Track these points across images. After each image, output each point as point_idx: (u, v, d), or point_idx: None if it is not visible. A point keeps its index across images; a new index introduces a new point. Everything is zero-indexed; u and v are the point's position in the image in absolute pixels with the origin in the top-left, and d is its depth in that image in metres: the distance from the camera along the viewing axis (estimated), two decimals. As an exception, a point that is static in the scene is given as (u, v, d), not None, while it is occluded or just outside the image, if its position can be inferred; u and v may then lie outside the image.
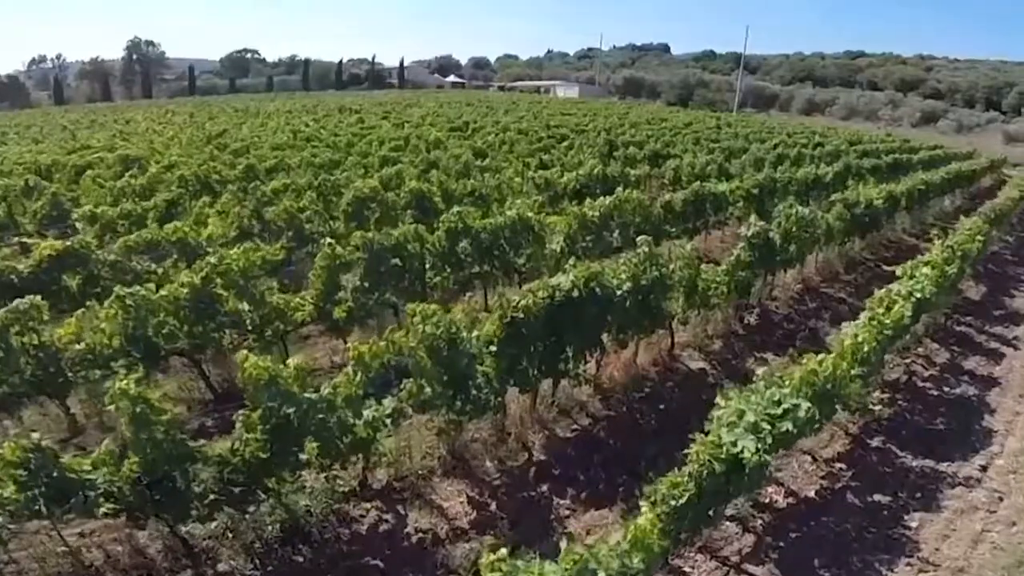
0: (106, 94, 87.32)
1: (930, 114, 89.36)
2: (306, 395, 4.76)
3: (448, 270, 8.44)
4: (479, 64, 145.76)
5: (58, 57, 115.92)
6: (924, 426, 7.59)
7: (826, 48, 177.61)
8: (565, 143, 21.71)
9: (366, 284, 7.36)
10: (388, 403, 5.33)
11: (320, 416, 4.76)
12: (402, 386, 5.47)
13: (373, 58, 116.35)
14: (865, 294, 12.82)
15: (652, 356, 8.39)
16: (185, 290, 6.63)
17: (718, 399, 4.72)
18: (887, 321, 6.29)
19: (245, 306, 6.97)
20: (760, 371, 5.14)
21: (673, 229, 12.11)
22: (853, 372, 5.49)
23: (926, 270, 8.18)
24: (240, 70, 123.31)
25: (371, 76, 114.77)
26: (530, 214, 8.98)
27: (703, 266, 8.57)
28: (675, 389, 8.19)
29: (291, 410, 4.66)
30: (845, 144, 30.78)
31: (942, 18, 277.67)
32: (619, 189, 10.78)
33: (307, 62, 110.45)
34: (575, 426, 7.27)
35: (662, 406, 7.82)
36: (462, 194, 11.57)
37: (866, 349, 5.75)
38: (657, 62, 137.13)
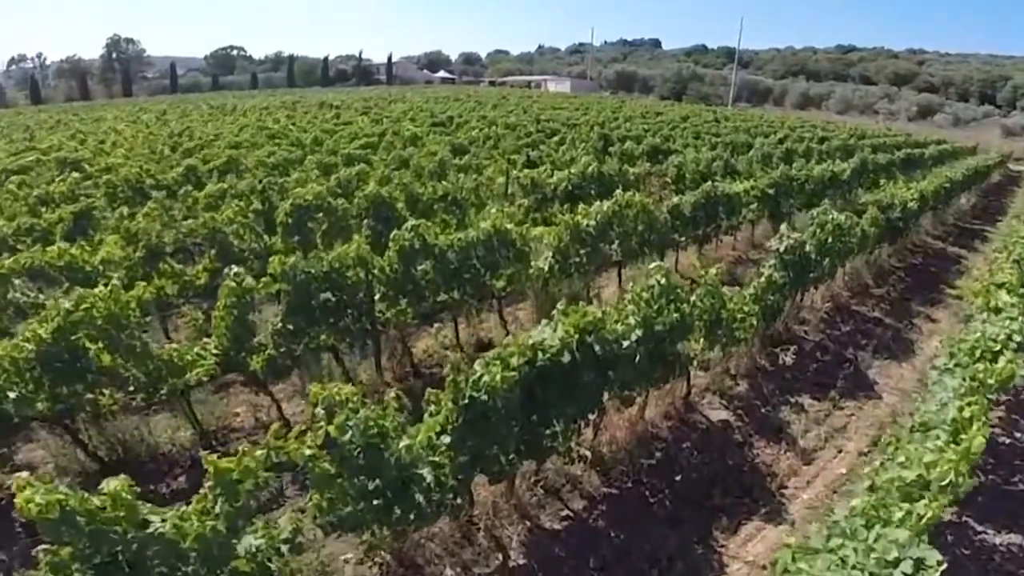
0: (84, 93, 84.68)
1: (926, 108, 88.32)
2: (134, 534, 2.98)
3: (404, 300, 6.63)
4: (469, 59, 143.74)
5: (39, 56, 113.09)
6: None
7: (817, 42, 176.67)
8: (556, 138, 19.90)
9: (290, 326, 5.54)
10: (285, 523, 3.55)
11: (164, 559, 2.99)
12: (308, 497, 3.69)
13: (360, 54, 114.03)
14: (902, 312, 11.23)
15: (663, 408, 6.62)
16: (31, 346, 4.81)
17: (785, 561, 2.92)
18: (991, 381, 4.52)
19: (121, 361, 5.15)
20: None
21: (682, 238, 10.35)
22: (964, 471, 3.71)
23: (1008, 297, 6.43)
24: (226, 67, 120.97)
25: (358, 72, 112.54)
26: (510, 226, 7.18)
27: (724, 289, 6.80)
28: (693, 451, 6.40)
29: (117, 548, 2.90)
30: (852, 138, 29.14)
31: (931, 13, 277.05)
32: (617, 191, 8.99)
33: (291, 58, 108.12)
34: (565, 512, 5.48)
35: (678, 476, 6.04)
36: (432, 199, 9.74)
37: (976, 430, 3.97)
38: (649, 57, 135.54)
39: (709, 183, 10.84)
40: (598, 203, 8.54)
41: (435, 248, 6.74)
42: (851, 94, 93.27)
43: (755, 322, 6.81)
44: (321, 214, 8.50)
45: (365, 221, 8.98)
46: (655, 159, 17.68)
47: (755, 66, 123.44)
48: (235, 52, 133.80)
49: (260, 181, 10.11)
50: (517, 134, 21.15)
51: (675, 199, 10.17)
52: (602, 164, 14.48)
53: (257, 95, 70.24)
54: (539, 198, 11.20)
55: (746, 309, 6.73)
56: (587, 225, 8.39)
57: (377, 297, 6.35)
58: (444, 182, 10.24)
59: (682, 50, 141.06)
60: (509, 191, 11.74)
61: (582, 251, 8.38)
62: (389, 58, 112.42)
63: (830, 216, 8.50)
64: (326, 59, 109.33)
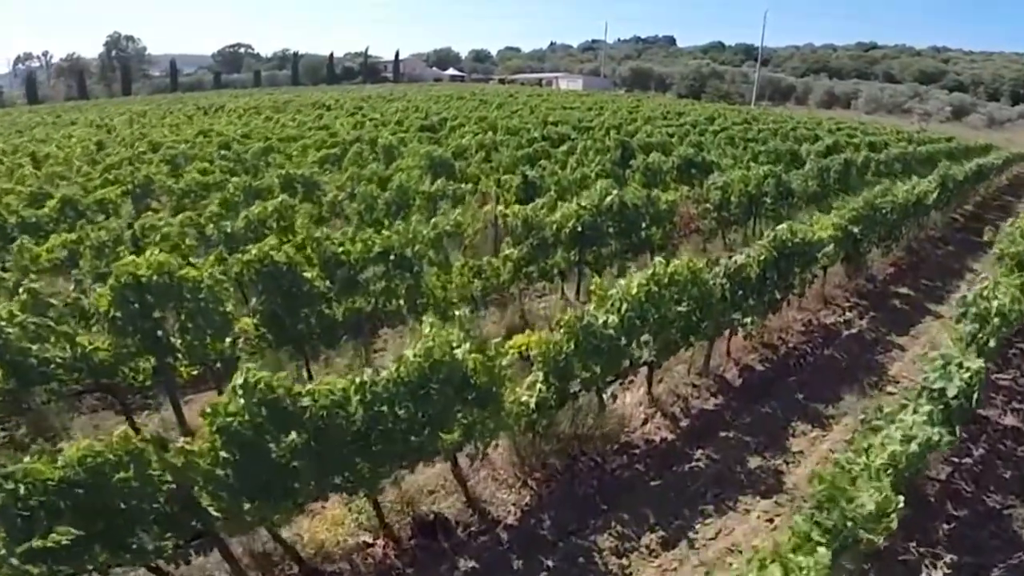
0: (83, 92, 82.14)
1: (959, 108, 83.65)
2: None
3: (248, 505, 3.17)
4: (480, 57, 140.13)
5: (44, 55, 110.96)
6: None
7: (836, 39, 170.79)
8: (564, 147, 16.36)
9: None
10: None
11: None
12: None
13: (366, 51, 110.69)
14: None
15: None
16: None
17: None
18: None
19: None
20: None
21: (745, 318, 6.82)
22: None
23: None
24: (233, 65, 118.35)
25: (365, 70, 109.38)
26: (460, 351, 3.72)
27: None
28: None
29: None
30: (908, 144, 25.36)
31: (953, 9, 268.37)
32: (658, 260, 5.50)
33: (296, 56, 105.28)
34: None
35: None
36: (361, 258, 6.25)
37: None
38: (664, 54, 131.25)
39: (784, 227, 7.31)
40: (623, 283, 5.06)
41: (304, 413, 3.30)
42: (879, 93, 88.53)
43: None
44: (172, 303, 5.09)
45: (252, 300, 5.55)
46: (688, 176, 14.14)
47: (774, 64, 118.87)
48: (243, 50, 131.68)
49: (125, 229, 6.70)
50: (518, 141, 17.65)
51: (737, 257, 6.64)
52: (624, 187, 11.01)
53: (256, 94, 67.26)
54: (535, 245, 7.74)
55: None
56: (605, 323, 4.92)
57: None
58: (397, 225, 6.77)
59: (698, 47, 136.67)
60: (486, 236, 8.26)
61: (594, 364, 4.90)
62: (396, 55, 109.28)
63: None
64: (331, 56, 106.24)
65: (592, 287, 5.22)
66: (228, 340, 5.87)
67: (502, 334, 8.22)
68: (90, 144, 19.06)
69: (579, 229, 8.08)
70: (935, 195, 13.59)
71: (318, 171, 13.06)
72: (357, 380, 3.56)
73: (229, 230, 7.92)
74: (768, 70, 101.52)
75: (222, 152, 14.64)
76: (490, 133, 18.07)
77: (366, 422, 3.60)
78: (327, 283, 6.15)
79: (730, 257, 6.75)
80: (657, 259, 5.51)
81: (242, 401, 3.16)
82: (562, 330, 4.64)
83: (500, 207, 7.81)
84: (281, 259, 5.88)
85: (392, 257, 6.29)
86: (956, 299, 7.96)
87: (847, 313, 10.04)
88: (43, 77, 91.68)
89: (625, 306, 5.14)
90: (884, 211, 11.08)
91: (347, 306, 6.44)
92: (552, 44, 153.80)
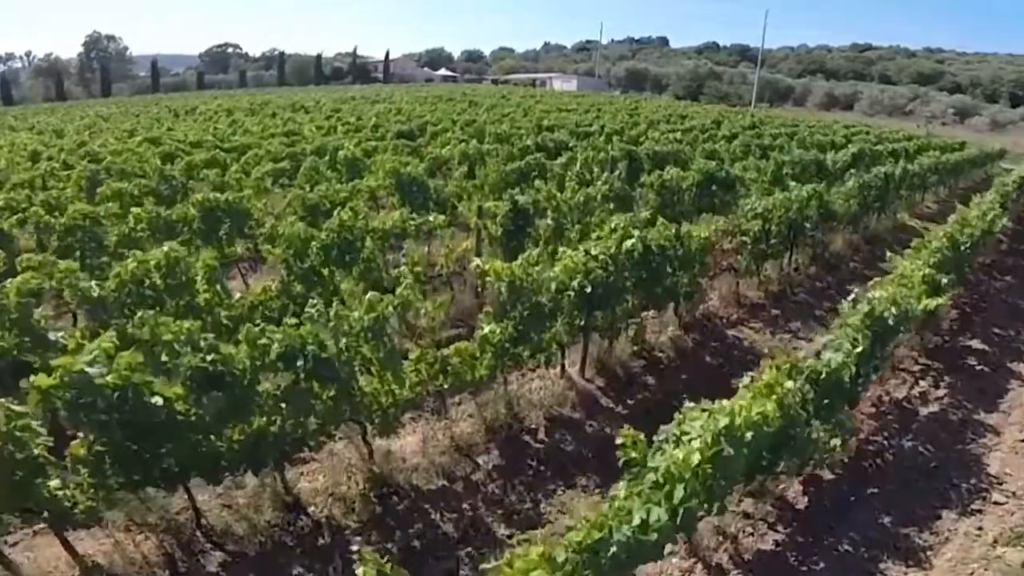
0: (60, 93, 79.10)
1: (961, 110, 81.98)
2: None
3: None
4: (472, 57, 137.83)
5: (27, 54, 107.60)
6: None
7: (830, 40, 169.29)
8: (562, 158, 13.99)
9: None
10: None
11: None
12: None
13: (355, 51, 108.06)
14: None
15: None
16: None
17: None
18: None
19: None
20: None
21: (834, 440, 4.52)
22: None
23: None
24: (220, 66, 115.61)
25: (354, 70, 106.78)
26: None
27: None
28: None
29: None
30: (940, 152, 23.26)
31: (945, 11, 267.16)
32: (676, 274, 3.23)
33: (282, 56, 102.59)
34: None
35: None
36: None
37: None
38: (658, 54, 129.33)
39: (881, 296, 5.01)
40: (678, 455, 2.77)
41: None
42: (880, 95, 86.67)
43: None
44: None
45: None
46: (710, 195, 11.87)
47: (769, 64, 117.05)
48: (230, 50, 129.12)
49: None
50: (509, 151, 15.30)
51: (826, 355, 4.35)
52: (636, 212, 8.72)
53: (240, 95, 64.63)
54: (526, 315, 5.41)
55: None
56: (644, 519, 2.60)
57: None
58: (313, 307, 4.37)
59: (692, 48, 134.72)
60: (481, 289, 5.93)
61: None
62: (386, 55, 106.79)
63: None
64: (319, 56, 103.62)
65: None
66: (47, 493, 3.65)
67: (481, 433, 5.93)
68: (16, 156, 16.58)
69: (588, 289, 5.75)
70: (1002, 220, 11.40)
71: (260, 191, 10.71)
72: None
73: (95, 293, 5.59)
74: (765, 71, 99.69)
75: (166, 167, 12.15)
76: (475, 141, 15.68)
77: None
78: (196, 409, 3.83)
79: (817, 355, 4.47)
80: (735, 403, 3.18)
81: None
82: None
83: (477, 262, 5.45)
84: (112, 379, 3.57)
85: (302, 363, 3.96)
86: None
87: (920, 382, 7.83)
88: (9, 78, 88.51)
89: (681, 485, 2.83)
90: (964, 246, 8.86)
91: (236, 435, 4.13)
92: (546, 44, 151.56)
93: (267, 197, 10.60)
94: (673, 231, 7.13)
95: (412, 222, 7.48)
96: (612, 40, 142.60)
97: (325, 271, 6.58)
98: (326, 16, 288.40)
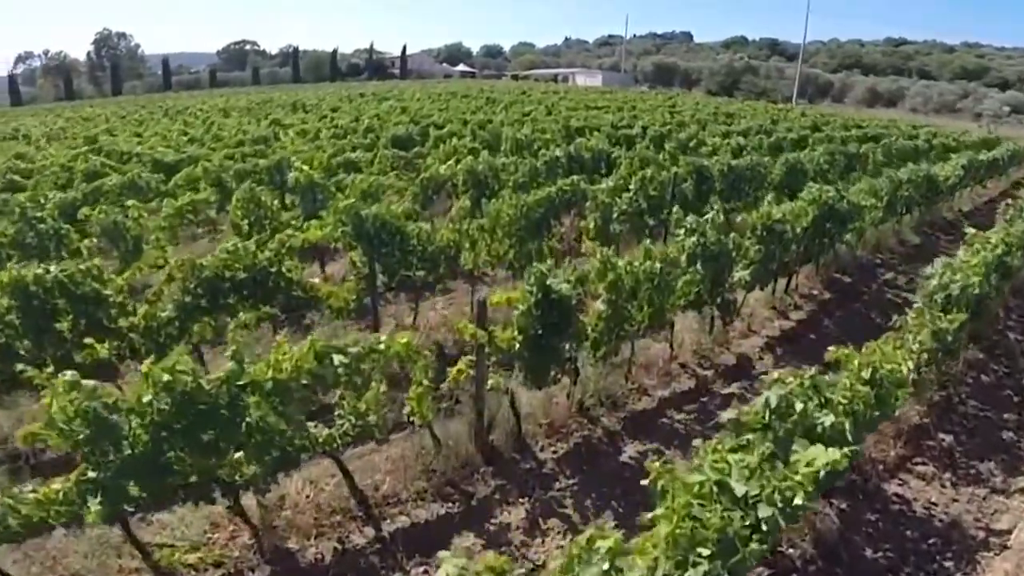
0: (70, 92, 76.69)
1: (1016, 107, 75.89)
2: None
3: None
4: (492, 52, 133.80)
5: (46, 53, 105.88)
6: None
7: (861, 35, 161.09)
8: (608, 182, 9.81)
9: None
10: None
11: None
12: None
13: (371, 46, 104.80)
14: None
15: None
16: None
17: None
18: None
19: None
20: None
21: None
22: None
23: None
24: (238, 63, 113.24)
25: (370, 66, 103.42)
26: None
27: None
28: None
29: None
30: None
31: (978, 4, 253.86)
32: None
33: (296, 52, 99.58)
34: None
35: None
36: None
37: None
38: (684, 49, 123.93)
39: None
40: None
41: None
42: (926, 91, 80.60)
43: None
44: None
45: None
46: (822, 236, 7.75)
47: (801, 58, 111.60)
48: (248, 47, 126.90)
49: None
50: (532, 165, 11.26)
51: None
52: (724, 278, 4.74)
53: (252, 93, 61.43)
54: None
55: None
56: None
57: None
58: None
59: (719, 42, 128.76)
60: None
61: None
62: (403, 50, 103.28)
63: None
64: (334, 52, 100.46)
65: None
66: None
67: None
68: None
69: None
70: None
71: (163, 235, 6.92)
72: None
73: None
74: (788, 65, 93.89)
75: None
76: (485, 153, 11.57)
77: None
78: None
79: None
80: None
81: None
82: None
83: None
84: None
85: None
86: None
87: None
88: (16, 77, 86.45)
89: None
90: None
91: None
92: (567, 39, 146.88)
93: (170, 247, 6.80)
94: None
95: (341, 364, 3.52)
96: (634, 35, 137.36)
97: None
98: (345, 11, 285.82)
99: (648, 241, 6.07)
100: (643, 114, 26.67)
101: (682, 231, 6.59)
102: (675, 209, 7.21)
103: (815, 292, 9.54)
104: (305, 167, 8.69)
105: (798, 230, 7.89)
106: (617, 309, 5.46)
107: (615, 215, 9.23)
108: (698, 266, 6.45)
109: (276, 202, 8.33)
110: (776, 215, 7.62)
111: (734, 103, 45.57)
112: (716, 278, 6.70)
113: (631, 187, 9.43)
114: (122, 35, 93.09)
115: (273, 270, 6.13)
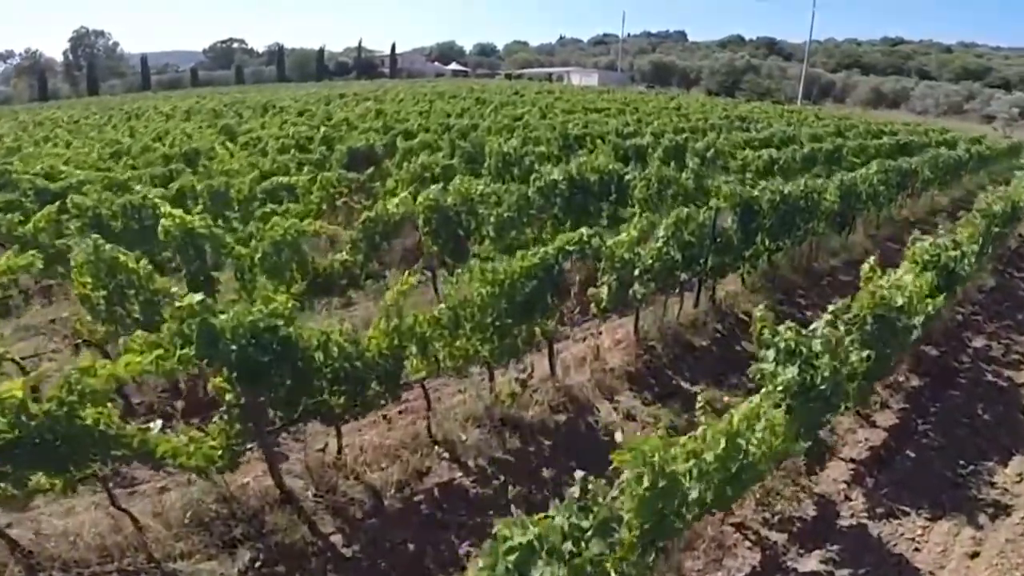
0: (43, 92, 73.14)
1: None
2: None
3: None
4: (485, 51, 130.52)
5: (27, 51, 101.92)
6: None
7: (856, 34, 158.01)
8: (629, 230, 6.91)
9: None
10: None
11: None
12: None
13: (359, 44, 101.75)
14: None
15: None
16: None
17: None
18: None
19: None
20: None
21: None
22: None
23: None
24: (225, 62, 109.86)
25: (359, 65, 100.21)
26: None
27: None
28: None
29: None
30: None
31: (969, 3, 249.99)
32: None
33: (281, 50, 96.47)
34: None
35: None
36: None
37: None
38: (681, 47, 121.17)
39: None
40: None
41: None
42: (931, 92, 78.01)
43: None
44: None
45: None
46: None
47: (797, 58, 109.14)
48: (235, 45, 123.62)
49: None
50: (518, 197, 8.42)
51: None
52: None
53: (226, 93, 58.32)
54: None
55: None
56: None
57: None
58: None
59: (714, 41, 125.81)
60: None
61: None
62: (392, 48, 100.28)
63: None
64: (321, 51, 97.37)
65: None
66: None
67: None
68: None
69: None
70: None
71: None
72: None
73: None
74: (796, 64, 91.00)
75: None
76: (459, 180, 8.68)
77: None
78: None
79: None
80: None
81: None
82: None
83: None
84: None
85: None
86: None
87: None
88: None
89: None
90: None
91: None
92: (561, 38, 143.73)
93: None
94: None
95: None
96: (629, 34, 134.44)
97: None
98: (333, 9, 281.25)
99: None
100: (648, 117, 23.87)
101: (769, 355, 3.80)
102: (758, 313, 4.38)
103: (900, 377, 6.87)
104: (176, 213, 5.81)
105: (919, 318, 5.08)
106: (663, 518, 2.67)
107: (638, 273, 6.44)
108: (786, 411, 3.66)
109: (146, 264, 5.49)
110: (894, 298, 4.82)
111: (740, 104, 42.83)
112: (813, 420, 3.94)
113: (660, 234, 6.61)
114: (100, 33, 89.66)
115: (61, 428, 3.37)
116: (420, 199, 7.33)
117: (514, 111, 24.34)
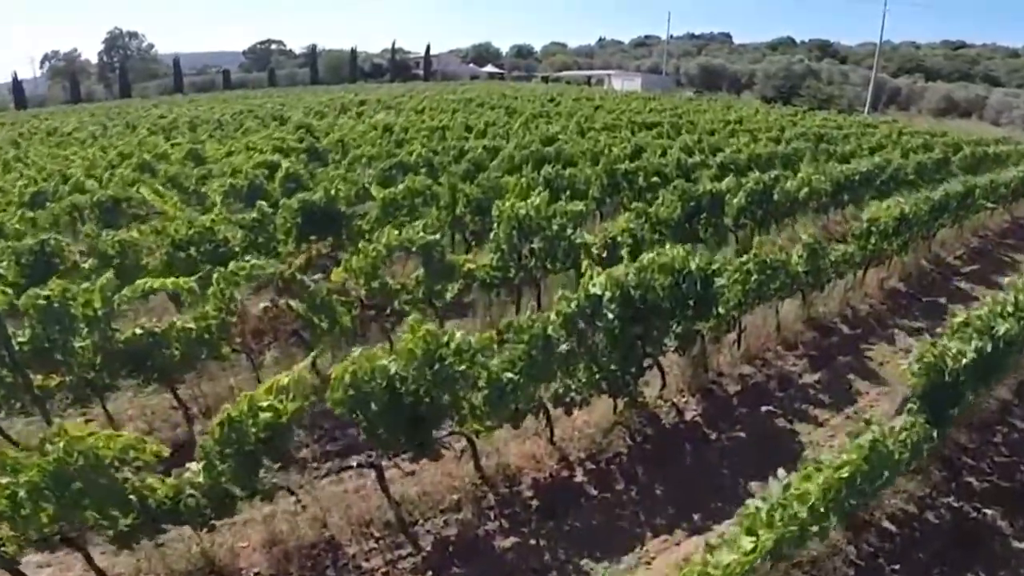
0: (76, 95, 72.33)
1: None
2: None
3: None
4: (522, 52, 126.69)
5: (73, 51, 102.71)
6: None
7: (914, 36, 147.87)
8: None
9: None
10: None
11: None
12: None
13: (393, 45, 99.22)
14: None
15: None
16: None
17: None
18: None
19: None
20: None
21: None
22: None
23: None
24: (263, 63, 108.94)
25: (393, 67, 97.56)
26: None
27: None
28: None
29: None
30: None
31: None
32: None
33: (314, 52, 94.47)
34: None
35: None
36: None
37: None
38: (727, 50, 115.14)
39: None
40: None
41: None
42: (1012, 100, 70.92)
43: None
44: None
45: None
46: None
47: (852, 61, 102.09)
48: (273, 47, 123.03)
49: None
50: (524, 362, 4.56)
51: None
52: None
53: (245, 96, 56.07)
54: None
55: None
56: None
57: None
58: None
59: (761, 43, 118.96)
60: None
61: None
62: (427, 50, 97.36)
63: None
64: (353, 52, 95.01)
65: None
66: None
67: None
68: None
69: None
70: None
71: None
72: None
73: None
74: (850, 67, 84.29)
75: None
76: (426, 335, 4.82)
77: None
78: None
79: None
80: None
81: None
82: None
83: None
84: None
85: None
86: None
87: None
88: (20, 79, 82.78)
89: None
90: None
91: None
92: (601, 39, 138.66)
93: None
94: None
95: None
96: (671, 36, 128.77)
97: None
98: (372, 9, 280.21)
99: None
100: (708, 136, 19.63)
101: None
102: None
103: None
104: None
105: None
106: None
107: None
108: None
109: None
110: None
111: (801, 112, 37.96)
112: None
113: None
114: (133, 34, 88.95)
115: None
116: (377, 387, 3.52)
117: (546, 129, 20.38)
